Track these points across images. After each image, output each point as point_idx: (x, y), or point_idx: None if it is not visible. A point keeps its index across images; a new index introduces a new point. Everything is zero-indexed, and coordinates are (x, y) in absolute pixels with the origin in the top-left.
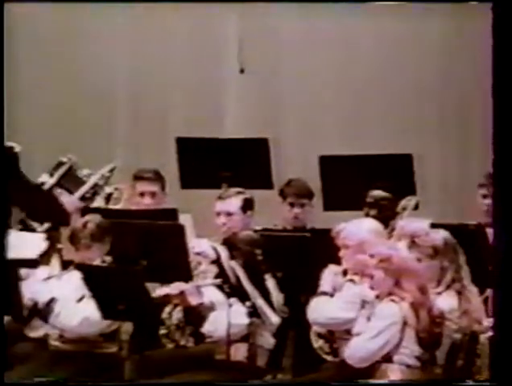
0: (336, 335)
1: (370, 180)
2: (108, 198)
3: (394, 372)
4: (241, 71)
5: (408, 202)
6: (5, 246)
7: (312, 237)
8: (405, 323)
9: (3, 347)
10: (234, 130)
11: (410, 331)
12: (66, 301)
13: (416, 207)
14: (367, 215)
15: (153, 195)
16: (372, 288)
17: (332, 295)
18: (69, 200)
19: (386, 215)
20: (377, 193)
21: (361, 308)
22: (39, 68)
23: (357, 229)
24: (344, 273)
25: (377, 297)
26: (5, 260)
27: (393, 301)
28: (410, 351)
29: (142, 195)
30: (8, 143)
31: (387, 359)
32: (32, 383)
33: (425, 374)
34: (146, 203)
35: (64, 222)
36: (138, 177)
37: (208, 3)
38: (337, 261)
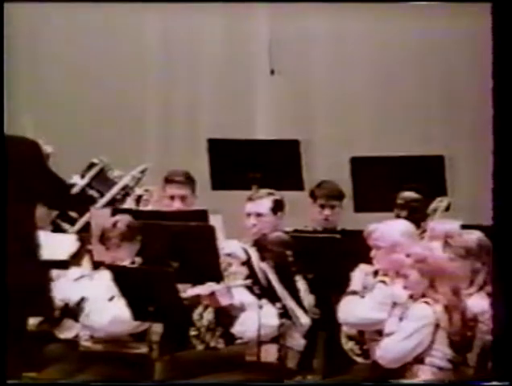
0: (367, 336)
1: (401, 181)
2: (138, 200)
3: (426, 374)
4: (272, 72)
5: (439, 203)
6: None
7: (343, 238)
8: (437, 325)
9: (4, 347)
10: (265, 132)
11: (442, 333)
12: (97, 300)
13: (447, 209)
14: (398, 216)
15: (183, 198)
16: (406, 288)
17: (362, 295)
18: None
19: (417, 217)
20: (408, 194)
21: (391, 308)
22: (71, 70)
23: (389, 230)
24: (375, 273)
25: (411, 297)
26: (5, 261)
27: (426, 302)
28: (441, 353)
29: (172, 198)
30: (43, 145)
31: (419, 360)
32: (33, 383)
33: (456, 376)
34: (176, 206)
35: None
36: (168, 180)
37: (238, 4)
38: (368, 262)
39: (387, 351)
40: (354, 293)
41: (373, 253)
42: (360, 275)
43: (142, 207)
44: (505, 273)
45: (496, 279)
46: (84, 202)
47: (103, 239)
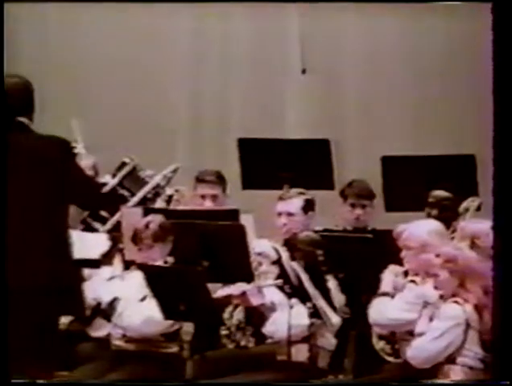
0: (398, 336)
1: (432, 181)
2: (168, 200)
3: (457, 374)
4: (303, 71)
5: (471, 203)
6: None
7: (373, 238)
8: (468, 325)
9: (5, 347)
10: (296, 131)
11: (473, 333)
12: (129, 300)
13: (479, 209)
14: (429, 215)
15: (214, 197)
16: (436, 288)
17: (393, 296)
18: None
19: (448, 216)
20: (439, 193)
21: (422, 308)
22: (103, 71)
23: (419, 230)
24: (405, 273)
25: (441, 297)
26: (5, 260)
27: (456, 302)
28: (473, 353)
29: (203, 197)
30: (72, 143)
31: (450, 360)
32: (35, 383)
33: (488, 376)
34: (207, 205)
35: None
36: (199, 179)
37: (269, 2)
38: (398, 262)
39: (418, 351)
40: (385, 294)
41: (403, 253)
42: (390, 276)
43: (175, 207)
44: (506, 273)
45: (496, 279)
46: (115, 201)
47: (135, 239)
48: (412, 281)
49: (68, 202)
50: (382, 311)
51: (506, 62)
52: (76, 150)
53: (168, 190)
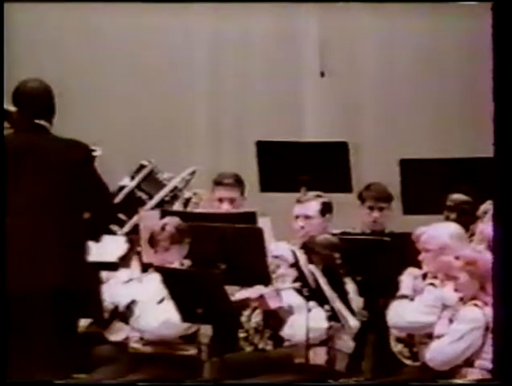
0: (416, 339)
1: (451, 184)
2: (186, 202)
3: (475, 376)
4: (322, 74)
5: (489, 206)
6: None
7: (391, 241)
8: (487, 328)
9: (4, 347)
10: (314, 134)
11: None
12: (146, 303)
13: None
14: (447, 218)
15: (232, 200)
16: (456, 291)
17: (412, 298)
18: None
19: (467, 219)
20: (458, 196)
21: (441, 311)
22: (122, 73)
23: (438, 233)
24: (424, 276)
25: (461, 300)
26: (4, 261)
27: (476, 305)
28: (491, 355)
29: (220, 200)
30: (91, 146)
31: (469, 363)
32: (37, 382)
33: None
34: (225, 209)
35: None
36: (217, 182)
37: (287, 4)
38: (416, 265)
39: (437, 354)
40: (404, 296)
41: (422, 256)
42: (408, 279)
43: (192, 210)
44: (506, 273)
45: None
46: (133, 204)
47: (152, 241)
48: (431, 284)
49: (84, 205)
50: (401, 314)
51: (506, 62)
52: (94, 154)
53: (186, 193)
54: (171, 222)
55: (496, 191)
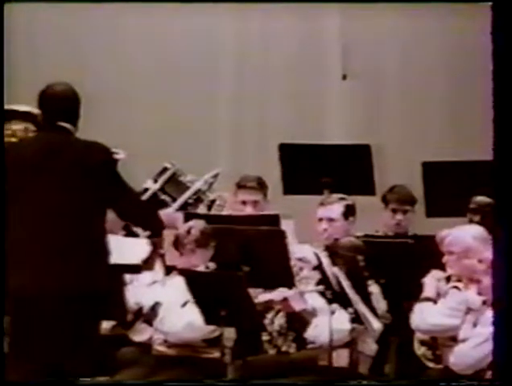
0: (440, 342)
1: (474, 186)
2: (210, 205)
3: None
4: (344, 77)
5: None
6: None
7: (415, 243)
8: None
9: (3, 347)
10: (337, 136)
11: None
12: (170, 305)
13: None
14: (470, 221)
15: (255, 204)
16: (480, 294)
17: (435, 301)
18: (167, 213)
19: (490, 222)
20: (481, 199)
21: (465, 314)
22: (144, 76)
23: (462, 235)
24: (447, 279)
25: (484, 303)
26: (3, 260)
27: None
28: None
29: (243, 203)
30: (113, 149)
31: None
32: (33, 382)
33: None
34: (248, 212)
35: (156, 232)
36: (241, 185)
37: (310, 5)
38: (440, 267)
39: (461, 358)
40: (427, 299)
41: (445, 259)
42: (432, 281)
43: (216, 213)
44: (507, 274)
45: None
46: (156, 206)
47: (177, 244)
48: (455, 287)
49: (108, 208)
50: (425, 316)
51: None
52: (118, 157)
53: (211, 196)
54: (197, 225)
55: (496, 191)
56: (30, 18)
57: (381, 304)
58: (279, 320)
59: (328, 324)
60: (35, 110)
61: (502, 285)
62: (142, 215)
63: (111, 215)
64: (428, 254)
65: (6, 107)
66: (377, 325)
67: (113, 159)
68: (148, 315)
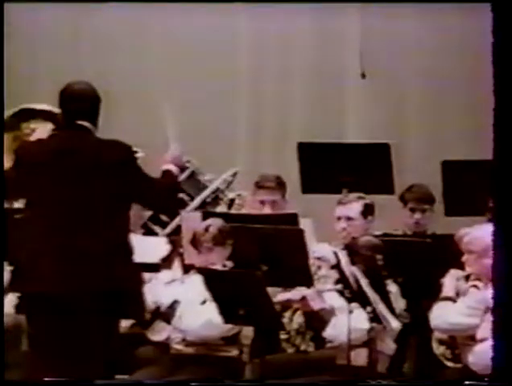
0: (459, 341)
1: None
2: (230, 204)
3: None
4: (363, 76)
5: None
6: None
7: (434, 242)
8: None
9: (3, 346)
10: (356, 135)
11: None
12: (189, 304)
13: None
14: (490, 220)
15: (273, 203)
16: None
17: (455, 300)
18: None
19: None
20: None
21: (484, 314)
22: (164, 74)
23: (481, 234)
24: (467, 278)
25: None
26: (3, 262)
27: None
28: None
29: (262, 203)
30: (134, 148)
31: None
32: (32, 382)
33: None
34: (266, 211)
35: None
36: (259, 185)
37: (329, 5)
38: (459, 267)
39: (480, 357)
40: (447, 298)
41: (464, 258)
42: (451, 280)
43: (234, 212)
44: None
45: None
46: (179, 202)
47: (195, 242)
48: (474, 286)
49: (130, 206)
50: (444, 316)
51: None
52: (137, 154)
53: (231, 194)
54: (215, 223)
55: (496, 191)
56: (45, 17)
57: (399, 303)
58: (298, 319)
59: (347, 323)
60: (55, 109)
61: (502, 285)
62: (170, 203)
63: (130, 214)
64: (447, 253)
65: (26, 106)
66: (395, 324)
67: (134, 156)
68: (166, 313)
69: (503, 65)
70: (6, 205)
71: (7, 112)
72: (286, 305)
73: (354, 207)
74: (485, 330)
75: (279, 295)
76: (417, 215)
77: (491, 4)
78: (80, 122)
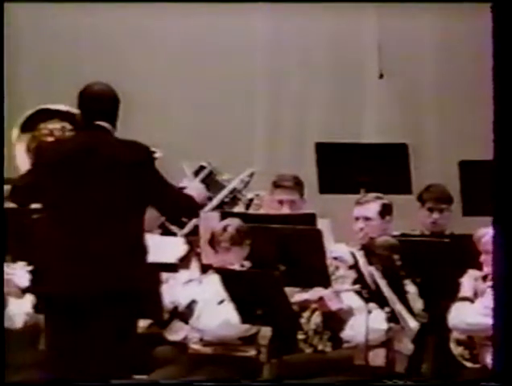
0: (477, 342)
1: None
2: (249, 204)
3: None
4: (381, 76)
5: None
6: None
7: (451, 243)
8: None
9: (3, 346)
10: (374, 135)
11: None
12: (206, 303)
13: None
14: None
15: (291, 203)
16: None
17: (473, 301)
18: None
19: None
20: None
21: None
22: (183, 75)
23: None
24: (485, 278)
25: None
26: (3, 262)
27: None
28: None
29: (280, 202)
30: (152, 148)
31: None
32: (32, 383)
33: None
34: (285, 211)
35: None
36: (277, 185)
37: (347, 5)
38: (477, 267)
39: None
40: (465, 299)
41: (483, 258)
42: (469, 280)
43: (252, 212)
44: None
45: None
46: (195, 208)
47: (213, 242)
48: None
49: (147, 207)
50: (462, 316)
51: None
52: (155, 155)
53: (249, 194)
54: (233, 223)
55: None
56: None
57: (417, 303)
58: (315, 319)
59: (365, 323)
60: (74, 109)
61: (503, 286)
62: (184, 210)
63: (147, 214)
64: (465, 253)
65: (44, 106)
66: (413, 324)
67: (152, 157)
68: (184, 313)
69: (503, 65)
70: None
71: (25, 113)
72: (304, 305)
73: (372, 208)
74: None
75: (297, 295)
76: (435, 215)
77: (491, 4)
78: (99, 123)
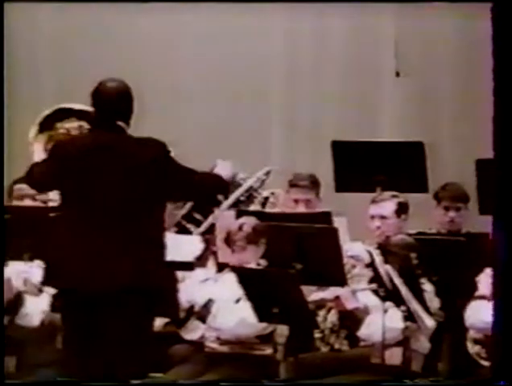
0: None
1: None
2: (264, 202)
3: None
4: (397, 74)
5: None
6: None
7: (468, 241)
8: None
9: (3, 346)
10: (390, 133)
11: None
12: (223, 302)
13: None
14: None
15: (307, 202)
16: None
17: (489, 299)
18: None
19: None
20: None
21: None
22: (198, 73)
23: None
24: None
25: None
26: (3, 262)
27: None
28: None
29: (296, 201)
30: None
31: None
32: (32, 383)
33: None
34: (300, 210)
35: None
36: (293, 184)
37: (364, 4)
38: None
39: None
40: (482, 297)
41: None
42: (486, 279)
43: (268, 210)
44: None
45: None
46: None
47: (229, 241)
48: None
49: (166, 203)
50: (479, 314)
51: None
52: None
53: (264, 193)
54: (249, 222)
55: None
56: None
57: (434, 302)
58: (332, 317)
59: (381, 322)
60: (88, 108)
61: (503, 286)
62: (214, 189)
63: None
64: (482, 252)
65: (61, 106)
66: (430, 323)
67: (168, 151)
68: (201, 312)
69: (504, 65)
70: (39, 203)
71: (43, 113)
72: (320, 303)
73: (388, 206)
74: None
75: (313, 294)
76: (451, 214)
77: (491, 4)
78: (113, 121)
